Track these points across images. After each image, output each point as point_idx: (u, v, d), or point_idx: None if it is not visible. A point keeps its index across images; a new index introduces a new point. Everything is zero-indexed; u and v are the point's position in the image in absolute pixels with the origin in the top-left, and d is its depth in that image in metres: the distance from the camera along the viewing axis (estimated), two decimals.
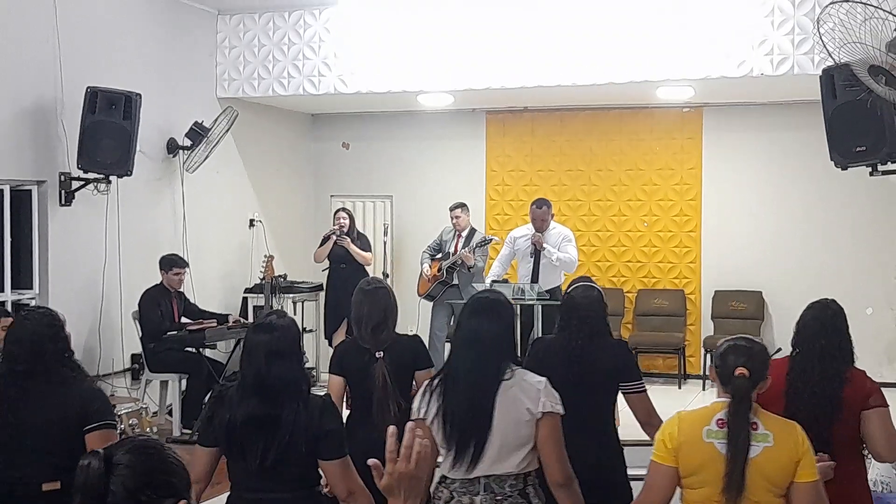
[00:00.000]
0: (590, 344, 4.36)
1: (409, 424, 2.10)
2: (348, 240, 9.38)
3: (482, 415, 3.36)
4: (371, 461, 2.12)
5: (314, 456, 3.44)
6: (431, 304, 9.28)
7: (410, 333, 4.73)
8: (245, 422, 3.39)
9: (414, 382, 4.46)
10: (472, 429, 3.36)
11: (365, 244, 9.58)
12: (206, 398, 7.85)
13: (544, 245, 8.42)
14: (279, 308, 9.23)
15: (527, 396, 3.39)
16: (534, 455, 3.42)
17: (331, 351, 9.93)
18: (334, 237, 9.41)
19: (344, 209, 9.65)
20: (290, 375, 3.46)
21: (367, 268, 9.49)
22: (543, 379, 3.47)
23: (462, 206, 9.32)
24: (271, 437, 3.38)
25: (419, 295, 9.36)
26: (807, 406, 3.75)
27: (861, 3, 5.09)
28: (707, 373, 9.55)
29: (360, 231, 9.83)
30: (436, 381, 3.53)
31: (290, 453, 3.39)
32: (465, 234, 9.25)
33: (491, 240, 9.05)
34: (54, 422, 3.70)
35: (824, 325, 3.98)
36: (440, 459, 3.54)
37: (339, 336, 9.56)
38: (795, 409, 3.76)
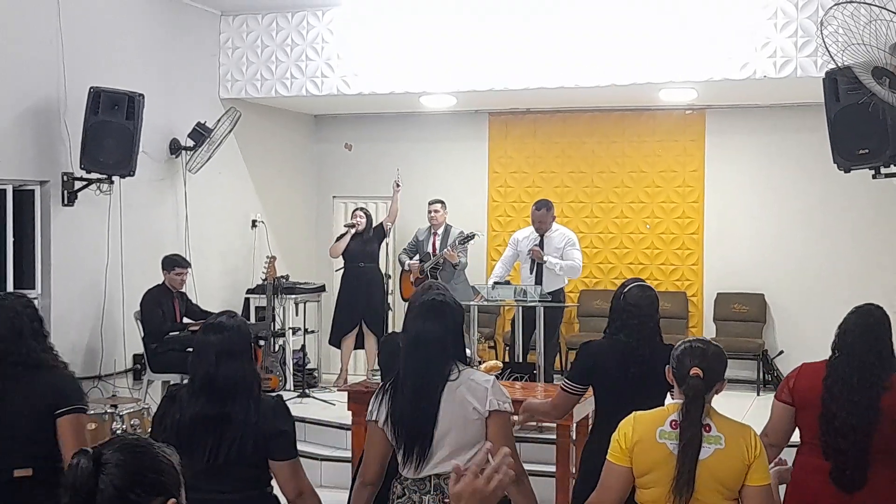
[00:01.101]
0: (648, 345, 4.36)
1: (505, 449, 2.14)
2: (398, 192, 9.53)
3: (426, 416, 3.39)
4: (453, 464, 2.16)
5: (265, 457, 3.46)
6: None
7: None
8: (193, 421, 3.41)
9: None
10: (417, 430, 3.40)
11: (379, 235, 9.57)
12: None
13: (544, 258, 8.36)
14: (277, 308, 9.24)
15: (474, 396, 3.41)
16: (486, 454, 3.42)
17: (335, 351, 9.84)
18: (351, 231, 9.38)
19: (361, 208, 9.65)
20: (240, 375, 3.47)
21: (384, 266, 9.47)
22: (491, 377, 3.51)
23: (441, 202, 9.36)
24: (220, 435, 3.40)
25: (403, 299, 9.32)
26: (844, 412, 3.73)
27: (865, 3, 5.08)
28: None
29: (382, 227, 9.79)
30: (388, 384, 3.56)
31: (240, 453, 3.41)
32: (440, 231, 9.23)
33: (473, 235, 8.99)
34: (27, 407, 3.70)
35: (866, 331, 3.94)
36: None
37: (350, 341, 9.52)
38: (832, 416, 3.75)
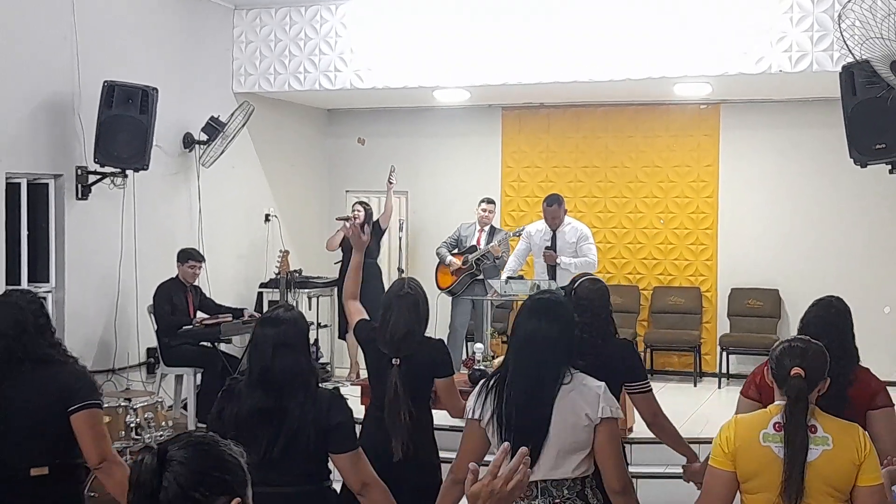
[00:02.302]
0: (599, 340, 4.34)
1: (523, 450, 2.09)
2: (392, 189, 9.59)
3: (540, 420, 3.30)
4: (471, 465, 2.10)
5: (323, 450, 3.43)
6: (451, 298, 9.24)
7: (434, 338, 4.64)
8: (251, 414, 3.38)
9: (434, 390, 4.42)
10: (529, 433, 3.26)
11: (377, 231, 9.51)
12: (221, 392, 7.87)
13: (558, 260, 8.32)
14: (290, 302, 9.24)
15: (586, 401, 3.32)
16: (590, 460, 3.35)
17: (345, 347, 9.86)
18: (344, 230, 9.35)
19: (361, 202, 9.60)
20: (297, 368, 3.44)
21: (383, 260, 9.45)
22: (602, 384, 3.40)
23: (493, 201, 9.39)
24: (277, 429, 3.37)
25: (440, 288, 9.26)
26: None
27: (879, 1, 5.05)
28: (723, 371, 9.52)
29: (377, 224, 9.73)
30: (492, 382, 3.46)
31: (297, 447, 3.38)
32: (486, 229, 9.23)
33: (521, 231, 8.96)
34: (38, 404, 3.65)
35: (828, 323, 3.92)
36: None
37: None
38: None
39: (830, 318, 3.96)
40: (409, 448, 4.18)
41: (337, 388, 3.70)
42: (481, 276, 9.01)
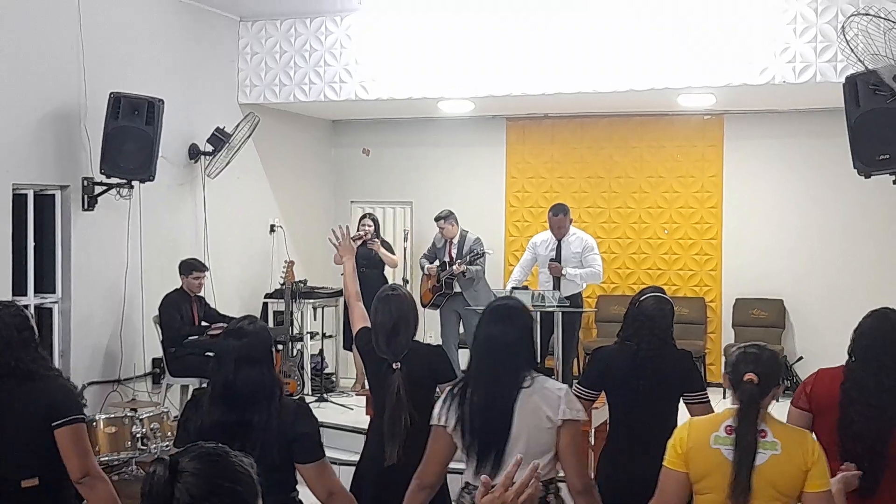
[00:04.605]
0: (657, 355, 4.36)
1: (534, 463, 2.12)
2: (378, 242, 9.30)
3: (502, 423, 3.36)
4: (483, 478, 2.14)
5: (289, 461, 3.43)
6: (438, 311, 9.23)
7: (433, 344, 4.66)
8: (213, 428, 3.37)
9: (437, 395, 4.44)
10: (491, 437, 3.35)
11: (389, 250, 9.55)
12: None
13: (563, 272, 8.31)
14: (291, 312, 9.26)
15: (547, 404, 3.38)
16: (555, 462, 3.41)
17: (351, 358, 9.83)
18: (358, 242, 9.35)
19: (369, 215, 9.58)
20: (260, 380, 3.44)
21: (390, 271, 9.45)
22: (564, 386, 3.48)
23: (447, 216, 9.11)
24: (241, 443, 3.37)
25: (423, 305, 9.28)
26: (861, 418, 3.70)
27: (881, 18, 5.06)
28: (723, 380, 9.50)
29: (384, 238, 9.76)
30: (456, 389, 3.52)
31: (263, 459, 3.38)
32: (455, 240, 9.15)
33: (483, 254, 8.86)
34: (24, 418, 3.67)
35: (883, 335, 3.88)
36: (463, 466, 3.54)
37: None
38: (849, 421, 3.72)
39: (887, 329, 3.88)
40: (410, 454, 4.20)
41: (302, 398, 3.69)
42: (457, 290, 8.91)
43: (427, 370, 4.36)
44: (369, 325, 4.56)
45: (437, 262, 9.22)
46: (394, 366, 4.27)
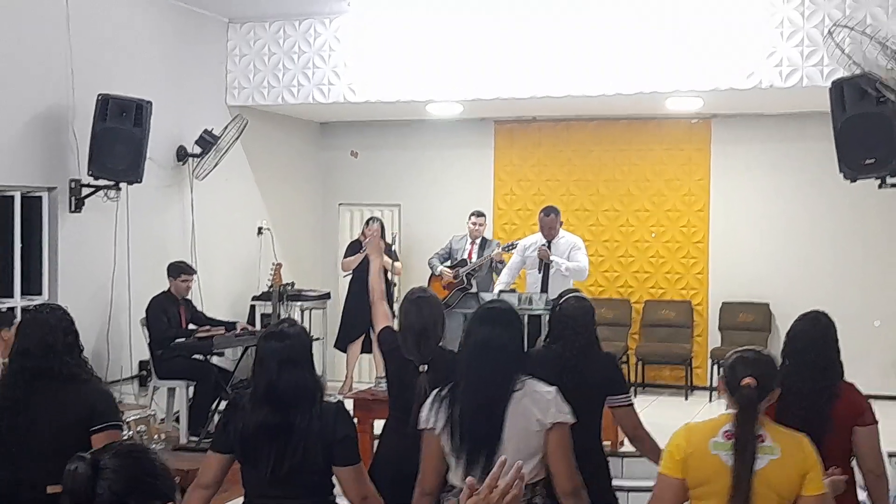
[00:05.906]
0: (582, 356, 4.39)
1: (518, 464, 2.11)
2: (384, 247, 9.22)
3: (494, 426, 3.34)
4: (469, 479, 2.12)
5: (329, 464, 3.45)
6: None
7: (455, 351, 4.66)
8: (257, 430, 3.40)
9: None
10: (483, 439, 3.34)
11: (394, 256, 9.51)
12: (214, 406, 7.87)
13: (551, 258, 8.40)
14: (287, 316, 9.24)
15: (537, 407, 3.37)
16: (542, 465, 3.41)
17: (341, 358, 9.84)
18: (363, 239, 9.29)
19: (377, 219, 9.48)
20: (302, 383, 3.46)
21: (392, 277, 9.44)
22: (553, 388, 3.47)
23: (483, 214, 9.37)
24: (284, 445, 3.38)
25: None
26: (797, 420, 3.69)
27: (860, 33, 5.10)
28: (715, 385, 9.53)
29: (388, 243, 9.69)
30: (445, 391, 3.51)
31: (304, 461, 3.39)
32: (478, 242, 9.23)
33: (513, 245, 8.97)
34: (60, 423, 3.67)
35: (815, 338, 3.95)
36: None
37: (356, 347, 9.53)
38: (785, 424, 3.74)
39: (818, 332, 3.98)
40: None
41: (341, 402, 3.69)
42: (474, 290, 9.00)
43: (451, 375, 4.37)
44: (391, 324, 4.56)
45: (449, 262, 9.21)
46: (420, 368, 4.26)
